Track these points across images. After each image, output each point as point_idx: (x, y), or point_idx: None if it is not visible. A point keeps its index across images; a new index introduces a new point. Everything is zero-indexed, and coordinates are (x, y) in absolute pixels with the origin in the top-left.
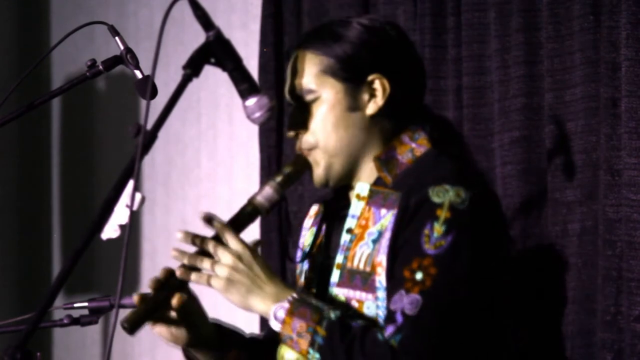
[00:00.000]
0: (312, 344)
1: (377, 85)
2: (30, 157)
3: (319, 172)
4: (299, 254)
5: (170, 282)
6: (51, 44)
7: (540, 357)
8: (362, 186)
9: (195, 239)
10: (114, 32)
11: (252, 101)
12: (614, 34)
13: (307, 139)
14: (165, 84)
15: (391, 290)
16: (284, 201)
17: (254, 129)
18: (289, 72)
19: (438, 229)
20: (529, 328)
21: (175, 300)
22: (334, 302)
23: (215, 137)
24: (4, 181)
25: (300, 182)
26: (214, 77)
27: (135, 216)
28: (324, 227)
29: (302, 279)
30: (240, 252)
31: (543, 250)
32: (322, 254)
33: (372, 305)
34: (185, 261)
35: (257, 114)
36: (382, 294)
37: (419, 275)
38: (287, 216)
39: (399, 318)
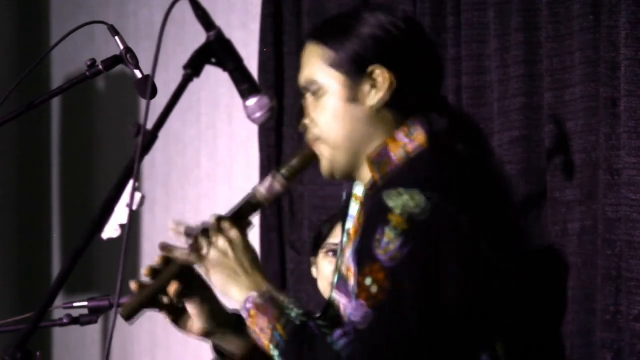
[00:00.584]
0: (271, 340)
1: (378, 76)
2: (30, 157)
3: (324, 164)
4: None
5: (167, 269)
6: (51, 43)
7: (540, 357)
8: (359, 187)
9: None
10: (114, 32)
11: (252, 101)
12: (613, 33)
13: (312, 130)
14: (165, 84)
15: (353, 294)
16: (288, 193)
17: (254, 129)
18: (301, 63)
19: (389, 234)
20: (528, 328)
21: (171, 289)
22: (331, 305)
23: (215, 137)
24: (4, 181)
25: (300, 181)
26: (214, 77)
27: (135, 216)
28: (337, 227)
29: None
30: (233, 238)
31: (543, 250)
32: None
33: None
34: (182, 238)
35: (258, 114)
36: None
37: (368, 281)
38: (292, 208)
39: (348, 325)
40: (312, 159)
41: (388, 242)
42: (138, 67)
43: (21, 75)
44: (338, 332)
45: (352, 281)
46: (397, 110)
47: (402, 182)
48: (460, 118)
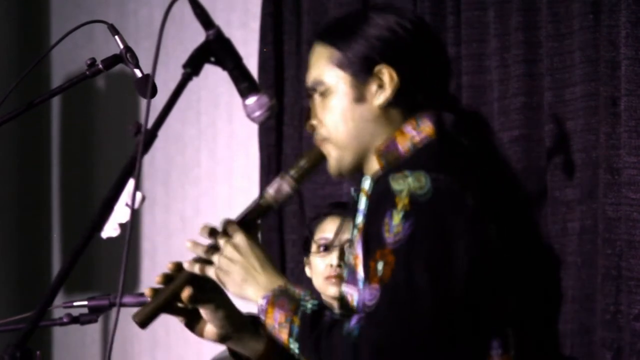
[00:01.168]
0: (290, 333)
1: (384, 75)
2: (30, 157)
3: (332, 164)
4: None
5: (179, 276)
6: (51, 42)
7: (540, 356)
8: (367, 181)
9: (211, 231)
10: (114, 31)
11: (252, 100)
12: (613, 32)
13: (320, 130)
14: (165, 83)
15: (364, 283)
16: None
17: (254, 128)
18: (309, 63)
19: (396, 217)
20: (528, 327)
21: (184, 294)
22: (343, 300)
23: (215, 136)
24: (4, 180)
25: None
26: (213, 76)
27: (135, 215)
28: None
29: None
30: (238, 242)
31: (543, 249)
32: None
33: (357, 298)
34: (200, 253)
35: (257, 113)
36: (362, 285)
37: (379, 266)
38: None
39: (361, 309)
40: (321, 160)
41: (395, 225)
42: (138, 66)
43: (21, 75)
44: (354, 319)
45: (359, 269)
46: (404, 108)
47: (407, 166)
48: (468, 115)
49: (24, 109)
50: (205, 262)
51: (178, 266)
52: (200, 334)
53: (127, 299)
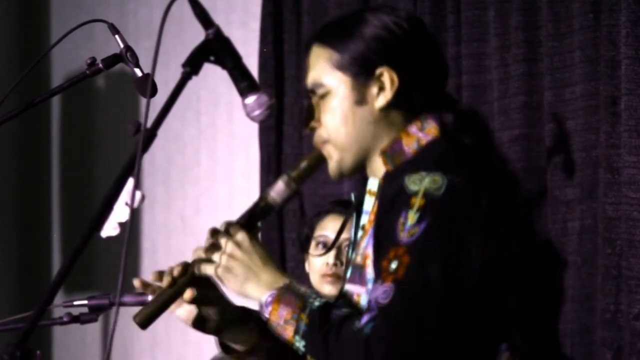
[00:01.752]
0: (297, 331)
1: (385, 78)
2: (30, 156)
3: (332, 166)
4: None
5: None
6: (51, 42)
7: (540, 356)
8: (373, 182)
9: (213, 231)
10: (114, 30)
11: (251, 99)
12: (613, 32)
13: (319, 132)
14: (165, 82)
15: (374, 281)
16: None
17: (254, 127)
18: (307, 66)
19: (412, 216)
20: (528, 326)
21: (186, 296)
22: (344, 298)
23: (215, 136)
24: (4, 180)
25: None
26: (213, 76)
27: (134, 214)
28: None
29: None
30: (239, 240)
31: (543, 249)
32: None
33: (365, 297)
34: (201, 254)
35: (257, 112)
36: (371, 285)
37: (393, 265)
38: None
39: (374, 307)
40: (321, 161)
41: (411, 224)
42: (138, 66)
43: (21, 74)
44: (366, 317)
45: (369, 269)
46: (404, 109)
47: (422, 167)
48: (466, 114)
49: (24, 108)
50: (206, 261)
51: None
52: (198, 328)
53: (127, 298)
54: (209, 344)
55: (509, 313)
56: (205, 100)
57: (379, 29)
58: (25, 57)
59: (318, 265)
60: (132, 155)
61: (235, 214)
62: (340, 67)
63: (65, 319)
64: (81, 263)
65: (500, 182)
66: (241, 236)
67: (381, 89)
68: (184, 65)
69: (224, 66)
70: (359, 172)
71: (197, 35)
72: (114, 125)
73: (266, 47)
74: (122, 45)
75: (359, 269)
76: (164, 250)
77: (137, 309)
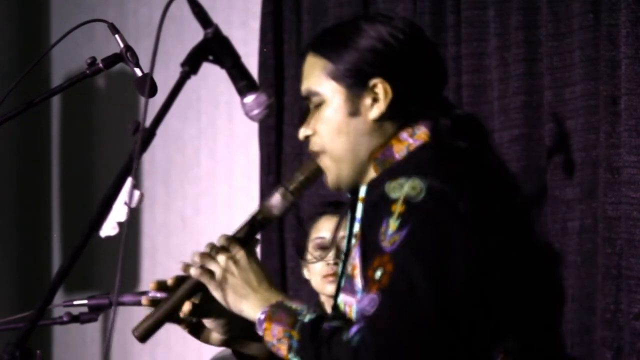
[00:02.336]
0: (290, 348)
1: (379, 89)
2: (30, 156)
3: (331, 178)
4: None
5: (180, 288)
6: (51, 42)
7: (540, 355)
8: (363, 189)
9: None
10: (114, 30)
11: (250, 98)
12: (613, 32)
13: (314, 140)
14: (165, 82)
15: (362, 292)
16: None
17: (254, 127)
18: (302, 73)
19: (393, 224)
20: (528, 326)
21: (184, 309)
22: (337, 309)
23: (215, 135)
24: (4, 180)
25: None
26: (213, 75)
27: (134, 214)
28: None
29: None
30: (237, 257)
31: (543, 248)
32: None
33: (355, 308)
34: (196, 259)
35: (256, 111)
36: (360, 295)
37: (378, 274)
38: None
39: (360, 317)
40: (318, 173)
41: (392, 232)
42: (138, 65)
43: (21, 74)
44: (354, 328)
45: (357, 279)
46: (398, 120)
47: (402, 172)
48: (464, 118)
49: (24, 108)
50: (205, 271)
51: (179, 280)
52: (206, 341)
53: (127, 298)
54: (209, 346)
55: (501, 317)
56: (205, 100)
57: (374, 40)
58: (25, 57)
59: (318, 267)
60: (131, 154)
61: (235, 214)
62: (335, 77)
63: (65, 319)
64: (81, 263)
65: (496, 185)
66: (239, 253)
67: (375, 100)
68: (183, 64)
69: (222, 65)
70: (356, 185)
71: (196, 35)
72: (114, 125)
73: (266, 46)
74: (122, 45)
75: (350, 279)
76: (164, 250)
77: (136, 309)
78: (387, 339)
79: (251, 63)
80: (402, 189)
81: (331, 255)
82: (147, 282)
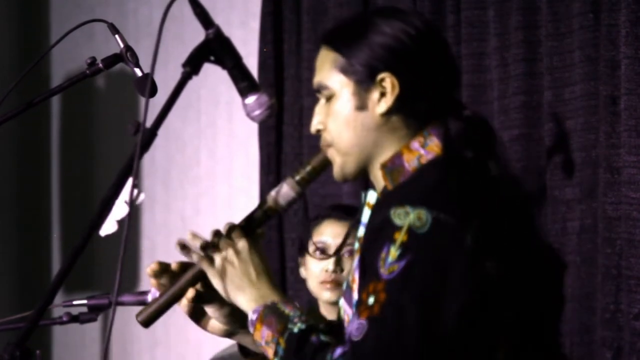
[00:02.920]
0: (276, 354)
1: (386, 83)
2: (30, 156)
3: (336, 169)
4: None
5: (184, 275)
6: (51, 42)
7: (540, 355)
8: (372, 194)
9: (215, 232)
10: (114, 30)
11: (251, 99)
12: (613, 32)
13: (324, 135)
14: (165, 82)
15: (353, 313)
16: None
17: (254, 127)
18: (315, 66)
19: (393, 253)
20: (528, 326)
21: (188, 295)
22: (339, 312)
23: (215, 135)
24: (4, 180)
25: None
26: (213, 75)
27: (134, 214)
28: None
29: None
30: (240, 248)
31: (542, 249)
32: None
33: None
34: (197, 243)
35: (257, 112)
36: (355, 310)
37: (370, 300)
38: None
39: (347, 340)
40: (326, 165)
41: (391, 261)
42: (138, 65)
43: (21, 74)
44: (338, 350)
45: (355, 293)
46: (407, 116)
47: (410, 198)
48: (473, 122)
49: (24, 108)
50: (207, 258)
51: (183, 266)
52: (205, 327)
53: (126, 298)
54: (209, 344)
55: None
56: (205, 100)
57: (388, 36)
58: (25, 57)
59: (317, 271)
60: (132, 155)
61: (235, 214)
62: (345, 71)
63: (64, 319)
64: (81, 263)
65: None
66: (242, 244)
67: (382, 94)
68: (184, 65)
69: (224, 66)
70: (362, 176)
71: (197, 35)
72: (114, 125)
73: (266, 46)
74: (122, 45)
75: (349, 289)
76: (164, 250)
77: (136, 309)
78: None
79: (251, 63)
80: (407, 217)
81: (331, 261)
82: (146, 282)
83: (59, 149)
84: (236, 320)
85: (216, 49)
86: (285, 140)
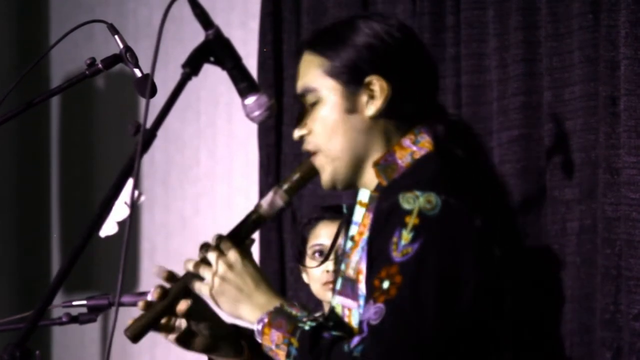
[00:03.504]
0: (288, 355)
1: (375, 86)
2: (30, 156)
3: (325, 177)
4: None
5: (172, 289)
6: (50, 42)
7: (540, 355)
8: (364, 193)
9: (203, 247)
10: (113, 30)
11: (251, 100)
12: (613, 32)
13: (310, 140)
14: (165, 83)
15: (366, 300)
16: (290, 207)
17: (253, 128)
18: (298, 72)
19: (406, 236)
20: (528, 326)
21: (181, 307)
22: (333, 311)
23: (215, 136)
24: (4, 180)
25: None
26: (213, 76)
27: (134, 214)
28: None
29: None
30: (232, 261)
31: (542, 249)
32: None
33: (357, 313)
34: (190, 267)
35: (256, 113)
36: (362, 301)
37: (385, 284)
38: (295, 221)
39: (365, 328)
40: (313, 173)
41: (404, 244)
42: (137, 66)
43: (21, 74)
44: (356, 339)
45: (362, 284)
46: (395, 118)
47: (415, 184)
48: (457, 123)
49: (24, 108)
50: (198, 277)
51: (171, 275)
52: (187, 346)
53: (126, 299)
54: None
55: (500, 330)
56: (204, 101)
57: (370, 37)
58: (25, 57)
59: (318, 274)
60: (132, 155)
61: (234, 214)
62: (331, 74)
63: (64, 319)
64: (81, 263)
65: (492, 192)
66: (233, 256)
67: (371, 97)
68: (184, 65)
69: (223, 67)
70: (352, 184)
71: (196, 35)
72: (113, 125)
73: (265, 47)
74: (121, 46)
75: (351, 283)
76: (164, 251)
77: (136, 309)
78: (390, 351)
79: (250, 64)
80: (417, 201)
81: (330, 262)
82: (146, 283)
83: (59, 149)
84: (215, 333)
85: (216, 49)
86: (285, 140)
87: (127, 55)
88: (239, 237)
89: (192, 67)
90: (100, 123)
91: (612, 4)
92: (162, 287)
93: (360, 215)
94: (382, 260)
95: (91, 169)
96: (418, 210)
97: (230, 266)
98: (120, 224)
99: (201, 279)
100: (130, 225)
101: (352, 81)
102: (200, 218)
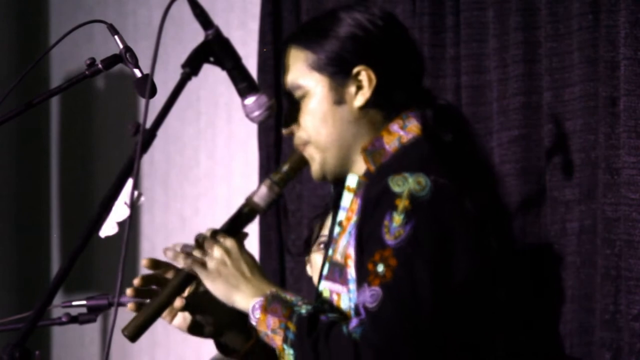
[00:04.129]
0: (285, 339)
1: (363, 77)
2: (30, 156)
3: (315, 168)
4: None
5: (168, 284)
6: (50, 42)
7: (540, 356)
8: (352, 178)
9: (198, 239)
10: (113, 30)
11: (251, 100)
12: (612, 32)
13: (299, 134)
14: (164, 83)
15: (359, 284)
16: (281, 198)
17: (253, 128)
18: (285, 67)
19: (397, 218)
20: (527, 326)
21: (176, 305)
22: (320, 295)
23: (214, 136)
24: (4, 181)
25: (298, 180)
26: (213, 76)
27: (134, 215)
28: (328, 219)
29: None
30: (229, 247)
31: (542, 249)
32: (327, 247)
33: (346, 297)
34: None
35: (256, 113)
36: (352, 286)
37: (380, 268)
38: (286, 213)
39: (362, 311)
40: (303, 164)
41: (396, 226)
42: (137, 66)
43: (21, 74)
44: (354, 321)
45: (351, 269)
46: (384, 107)
47: (404, 167)
48: (445, 108)
49: (24, 108)
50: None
51: (154, 263)
52: (192, 332)
53: (126, 299)
54: (208, 344)
55: (496, 315)
56: (204, 101)
57: (354, 27)
58: (25, 57)
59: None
60: (132, 156)
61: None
62: (317, 67)
63: (64, 319)
64: (81, 263)
65: (480, 177)
66: (230, 243)
67: (359, 87)
68: (184, 66)
69: (223, 67)
70: (342, 176)
71: (196, 35)
72: (113, 125)
73: (265, 47)
74: (121, 46)
75: (339, 268)
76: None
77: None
78: (389, 334)
79: (250, 64)
80: (407, 183)
81: None
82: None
83: (58, 149)
84: (221, 319)
85: (215, 49)
86: (285, 141)
87: (127, 56)
88: (232, 231)
89: (191, 67)
90: (100, 123)
91: (612, 5)
92: (147, 277)
93: (348, 200)
94: (375, 244)
95: (91, 169)
96: (408, 192)
97: (227, 251)
98: (120, 224)
99: (194, 277)
100: (130, 226)
101: (339, 73)
102: (200, 218)
